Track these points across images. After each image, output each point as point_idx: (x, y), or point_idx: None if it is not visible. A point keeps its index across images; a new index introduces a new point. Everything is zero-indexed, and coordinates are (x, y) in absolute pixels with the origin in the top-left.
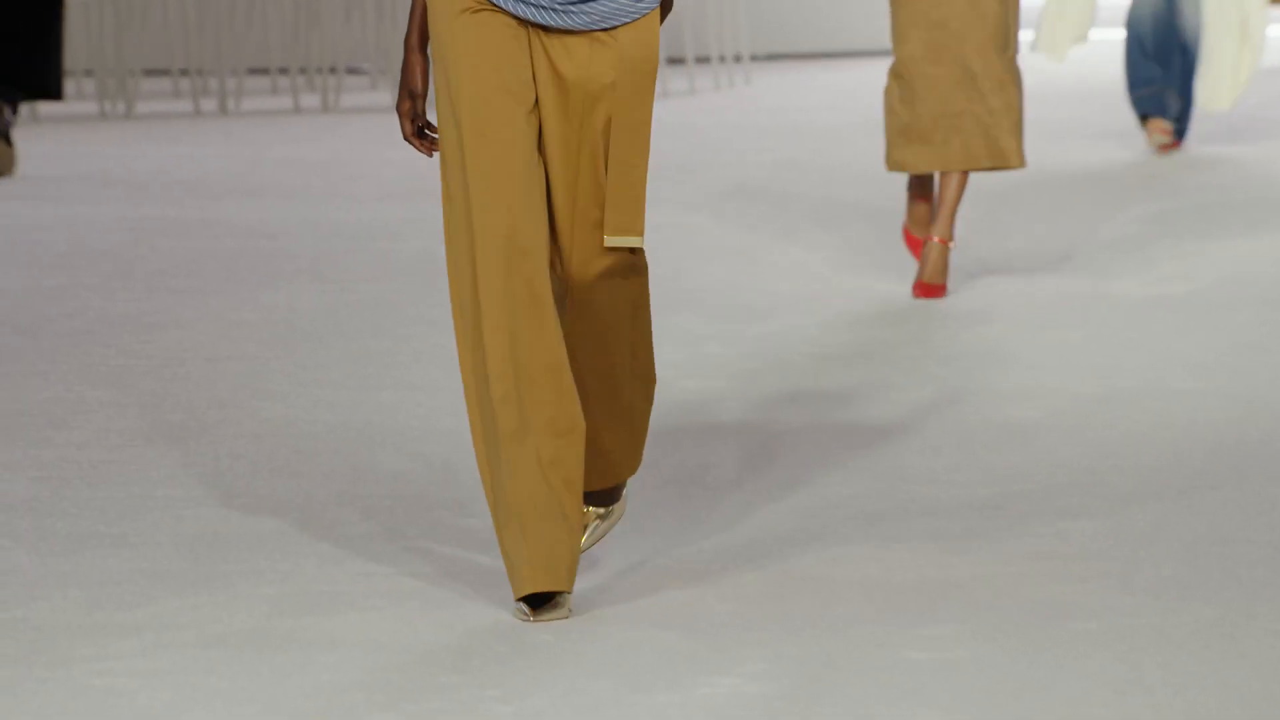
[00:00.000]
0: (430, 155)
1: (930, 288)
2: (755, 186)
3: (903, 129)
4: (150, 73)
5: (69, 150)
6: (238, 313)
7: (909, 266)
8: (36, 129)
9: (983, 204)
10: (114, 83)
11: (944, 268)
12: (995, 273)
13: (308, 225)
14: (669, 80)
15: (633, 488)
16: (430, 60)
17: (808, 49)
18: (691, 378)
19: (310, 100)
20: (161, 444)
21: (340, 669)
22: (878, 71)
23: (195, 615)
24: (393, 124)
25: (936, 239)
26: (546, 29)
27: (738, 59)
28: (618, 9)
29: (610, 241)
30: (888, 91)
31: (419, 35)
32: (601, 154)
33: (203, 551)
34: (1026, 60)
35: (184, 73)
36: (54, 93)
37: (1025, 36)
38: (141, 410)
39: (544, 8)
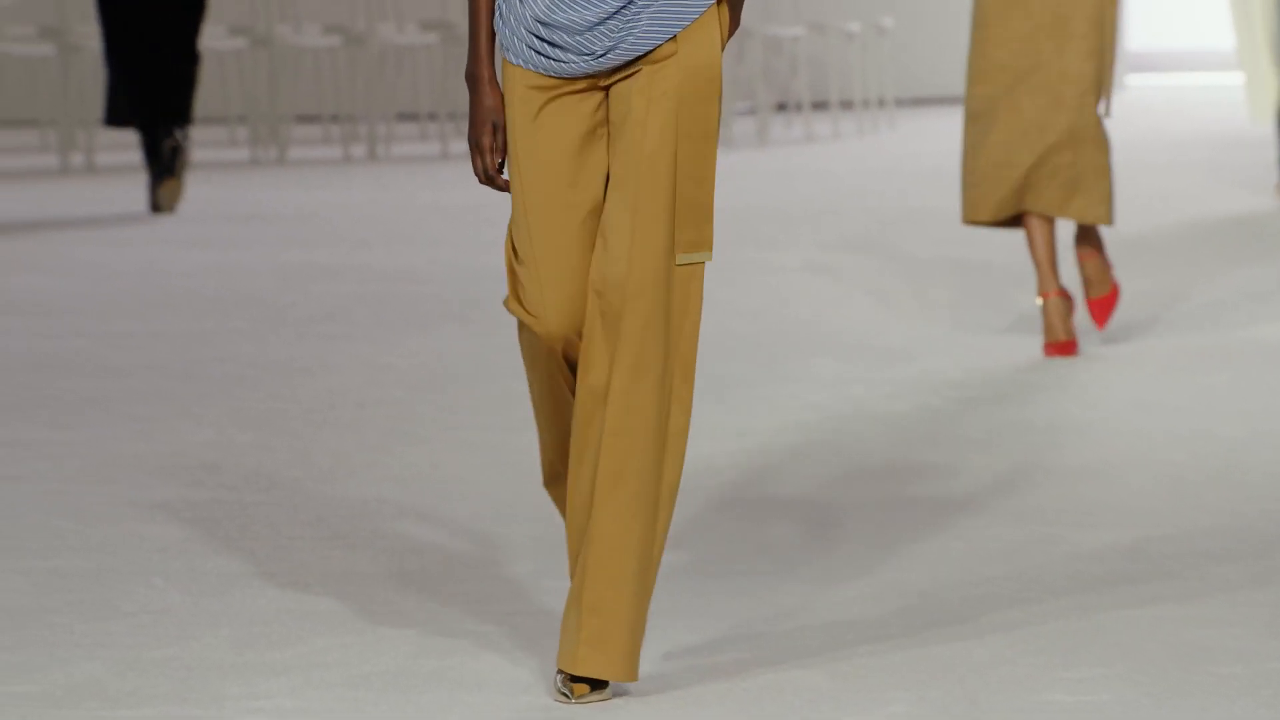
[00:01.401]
0: (508, 190)
1: (1060, 345)
2: (894, 230)
3: (973, 177)
4: (302, 119)
5: (222, 196)
6: (385, 357)
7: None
8: (191, 175)
9: (1125, 250)
10: (266, 129)
11: (1067, 321)
12: (1138, 319)
13: (454, 270)
14: (814, 125)
15: (782, 531)
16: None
17: (951, 93)
18: (834, 418)
19: (458, 146)
20: (310, 486)
21: (485, 710)
22: None
23: (342, 655)
24: None
25: (1049, 294)
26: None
27: (881, 104)
28: (672, 8)
29: (682, 259)
30: (966, 136)
31: (489, 68)
32: (658, 176)
33: (349, 592)
34: (1155, 105)
35: (334, 119)
36: (186, 118)
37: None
38: (290, 453)
39: (597, 55)
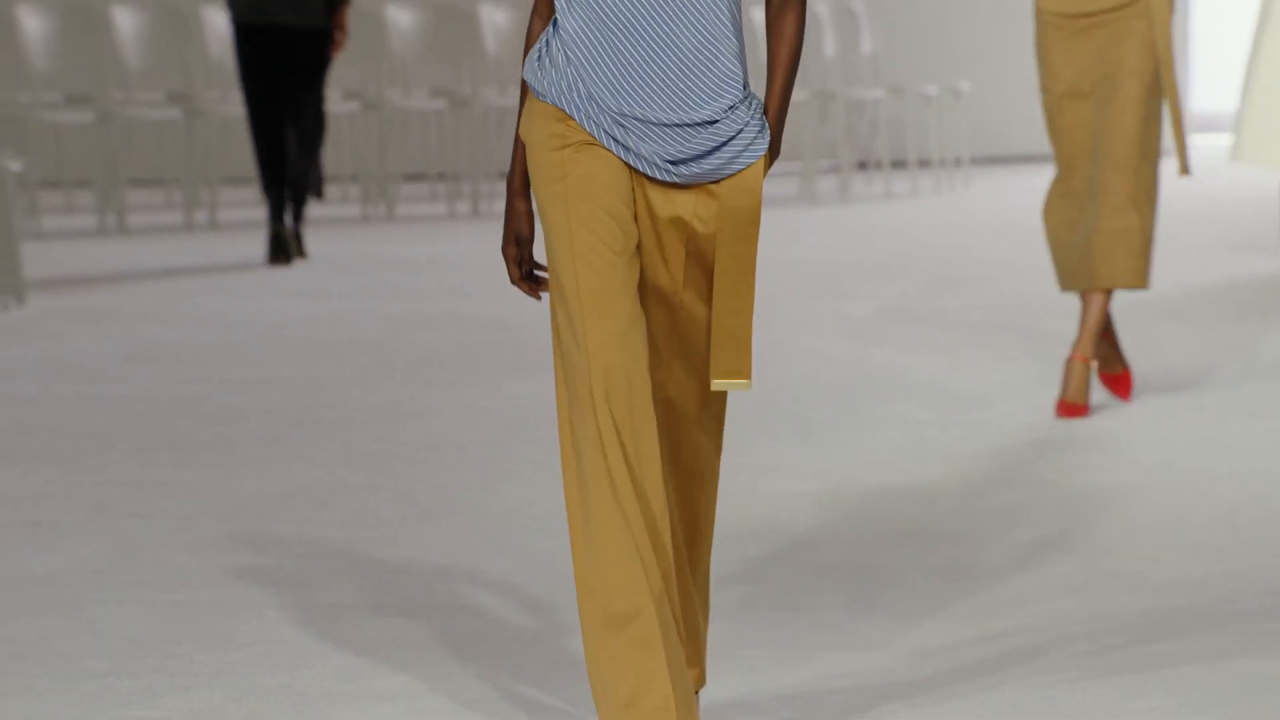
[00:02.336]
0: (539, 299)
1: (1072, 407)
2: (969, 282)
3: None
4: (410, 178)
5: (335, 249)
6: (483, 400)
7: (1131, 342)
8: (307, 230)
9: (1192, 301)
10: (376, 187)
11: (1086, 386)
12: (1204, 367)
13: (544, 319)
14: (893, 182)
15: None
16: (533, 200)
17: (1023, 152)
18: (912, 459)
19: None
20: (413, 524)
21: None
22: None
23: (447, 683)
24: None
25: (1077, 356)
26: (652, 180)
27: (957, 162)
28: (724, 163)
29: (717, 385)
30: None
31: (521, 178)
32: (694, 304)
33: (452, 622)
34: (1216, 164)
35: (440, 178)
36: (318, 192)
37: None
38: (395, 492)
39: (652, 161)
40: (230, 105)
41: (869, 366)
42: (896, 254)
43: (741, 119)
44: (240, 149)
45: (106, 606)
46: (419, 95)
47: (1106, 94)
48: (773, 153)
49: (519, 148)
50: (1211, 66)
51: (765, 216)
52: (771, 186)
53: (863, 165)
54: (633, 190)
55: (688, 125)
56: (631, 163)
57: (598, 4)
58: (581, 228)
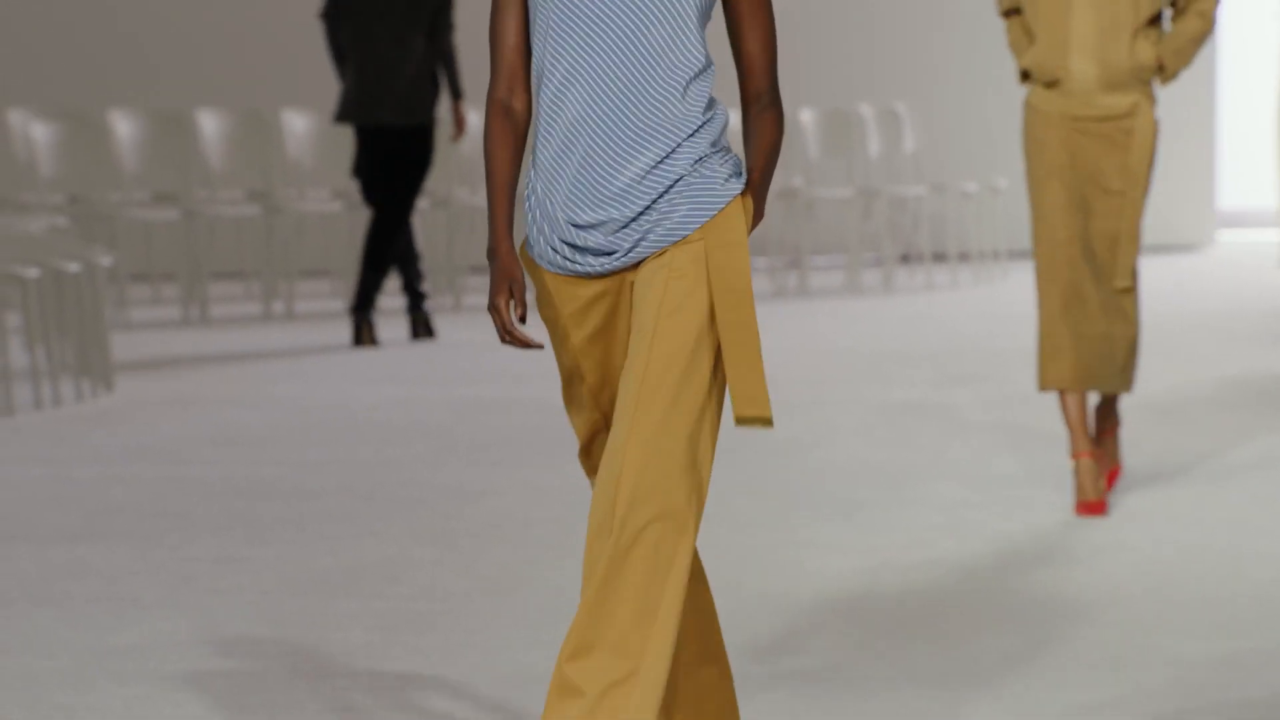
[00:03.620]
0: (541, 346)
1: (1090, 505)
2: (1007, 368)
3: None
4: (474, 270)
5: (402, 335)
6: (545, 480)
7: (1154, 435)
8: (379, 317)
9: (1224, 389)
10: (445, 279)
11: (1098, 482)
12: (1235, 453)
13: None
14: (934, 274)
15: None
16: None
17: None
18: (953, 537)
19: None
20: (479, 597)
21: None
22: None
23: None
24: None
25: (1085, 454)
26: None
27: (995, 256)
28: (696, 194)
29: (742, 419)
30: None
31: (508, 241)
32: (673, 332)
33: (515, 693)
34: (1245, 260)
35: None
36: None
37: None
38: (463, 567)
39: (624, 252)
40: (306, 202)
41: (911, 449)
42: (938, 342)
43: (710, 160)
44: (315, 243)
45: (187, 678)
46: (484, 194)
47: (1093, 195)
48: (757, 213)
49: (498, 218)
50: (1240, 164)
51: (811, 306)
52: (818, 278)
53: (905, 258)
54: (623, 304)
55: (652, 204)
56: (602, 267)
57: (561, 118)
58: (590, 391)
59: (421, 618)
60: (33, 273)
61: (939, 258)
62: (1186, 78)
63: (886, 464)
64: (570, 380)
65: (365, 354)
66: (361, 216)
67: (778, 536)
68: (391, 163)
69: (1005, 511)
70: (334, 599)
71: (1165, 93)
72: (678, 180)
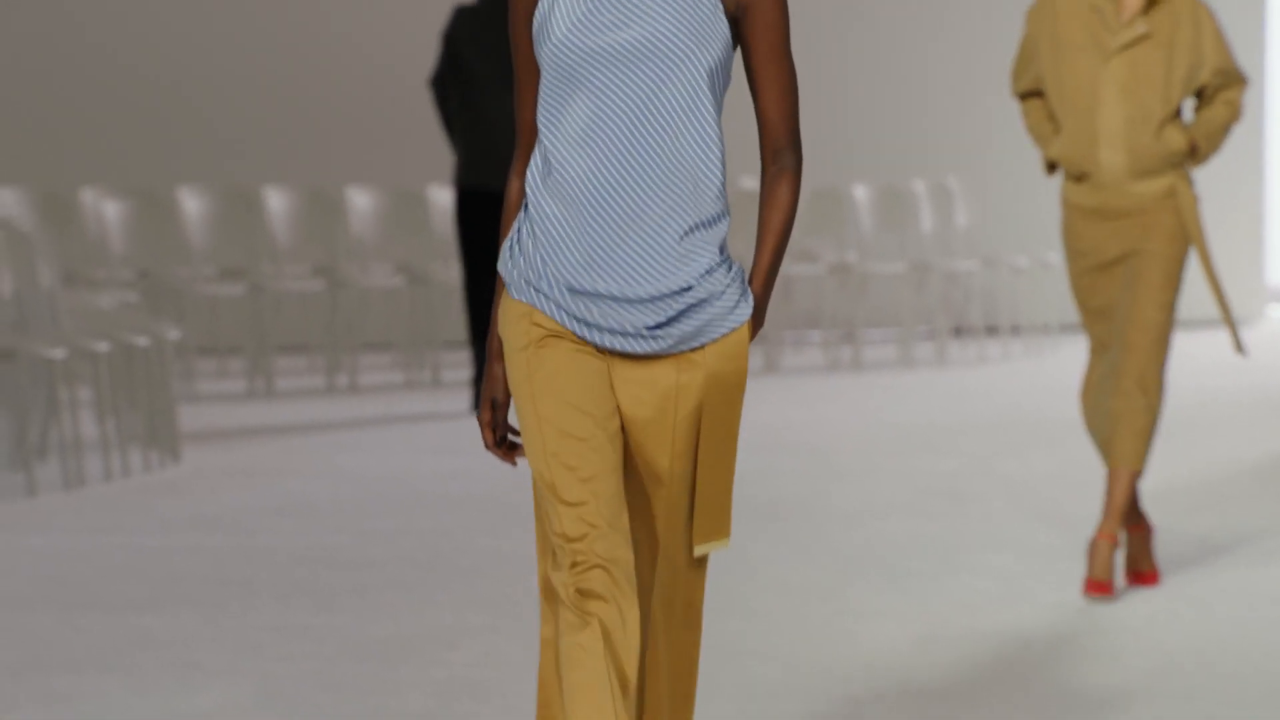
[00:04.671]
0: (514, 464)
1: (1099, 584)
2: (1059, 439)
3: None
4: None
5: (460, 407)
6: None
7: (1207, 510)
8: (441, 391)
9: (1270, 471)
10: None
11: (1110, 564)
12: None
13: None
14: (986, 347)
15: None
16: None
17: None
18: (1004, 607)
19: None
20: (531, 666)
21: None
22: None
23: None
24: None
25: (1104, 535)
26: (628, 356)
27: (1046, 329)
28: (703, 326)
29: (699, 550)
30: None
31: (499, 342)
32: (683, 470)
33: None
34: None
35: None
36: None
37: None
38: (520, 635)
39: (629, 335)
40: (370, 278)
41: (963, 519)
42: (990, 414)
43: (720, 283)
44: (378, 317)
45: None
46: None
47: (1130, 278)
48: (757, 321)
49: (498, 313)
50: None
51: (865, 378)
52: (871, 351)
53: (958, 331)
54: (608, 375)
55: (661, 297)
56: (603, 342)
57: (568, 181)
58: (551, 427)
59: (479, 685)
60: (103, 347)
61: (991, 331)
62: (1234, 152)
63: (939, 534)
64: (534, 446)
65: (425, 425)
66: (423, 292)
67: (831, 606)
68: (495, 231)
69: (1058, 583)
70: (394, 666)
71: (1213, 168)
72: (686, 290)
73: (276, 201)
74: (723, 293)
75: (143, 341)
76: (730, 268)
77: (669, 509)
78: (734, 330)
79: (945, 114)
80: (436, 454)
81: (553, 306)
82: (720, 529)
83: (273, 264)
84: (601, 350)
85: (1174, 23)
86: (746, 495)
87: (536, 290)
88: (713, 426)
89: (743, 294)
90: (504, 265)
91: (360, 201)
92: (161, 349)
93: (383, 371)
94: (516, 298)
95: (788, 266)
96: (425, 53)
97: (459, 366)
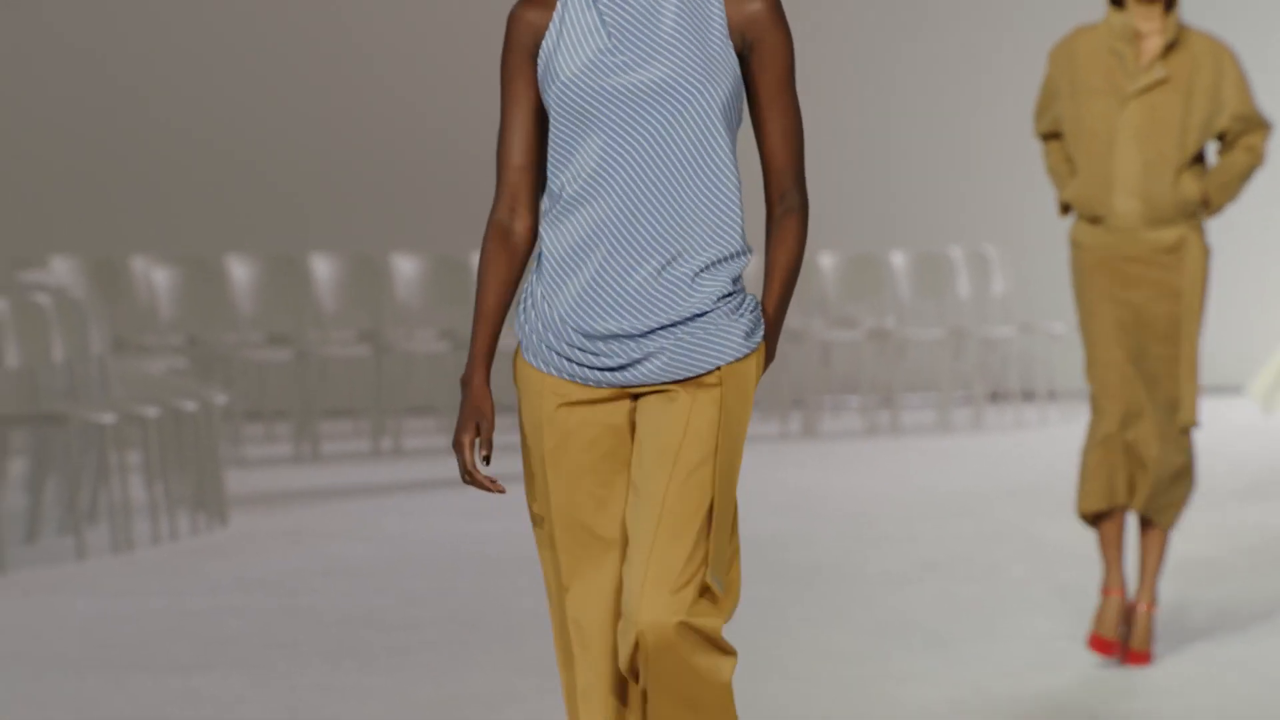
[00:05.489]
0: (503, 490)
1: (1137, 654)
2: None
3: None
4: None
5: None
6: None
7: (1246, 570)
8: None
9: None
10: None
11: (1118, 621)
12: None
13: None
14: (1023, 413)
15: None
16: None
17: None
18: (1043, 670)
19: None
20: None
21: None
22: (1224, 407)
23: None
24: (811, 453)
25: (1115, 592)
26: (645, 390)
27: (1082, 394)
28: (717, 343)
29: (712, 579)
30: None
31: (483, 373)
32: (689, 500)
33: None
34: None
35: None
36: None
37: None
38: (561, 698)
39: (640, 364)
40: (414, 343)
41: (1000, 584)
42: (1027, 478)
43: (732, 309)
44: (423, 382)
45: None
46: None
47: (1143, 336)
48: (768, 356)
49: (478, 349)
50: None
51: (903, 443)
52: (909, 416)
53: (995, 397)
54: (628, 439)
55: (673, 324)
56: (618, 381)
57: (579, 222)
58: (560, 514)
59: None
60: (152, 412)
61: (1028, 397)
62: (1270, 206)
63: (976, 598)
64: (536, 503)
65: (468, 489)
66: (466, 357)
67: (870, 669)
68: None
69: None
70: None
71: (1246, 221)
72: (699, 315)
73: (322, 268)
74: (734, 316)
75: (191, 406)
76: (744, 298)
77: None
78: (742, 359)
79: (983, 182)
80: (479, 517)
81: (568, 364)
82: (732, 552)
83: (319, 330)
84: (619, 392)
85: (1194, 66)
86: (785, 559)
87: (550, 348)
88: (724, 457)
89: (755, 324)
90: (519, 325)
91: (405, 268)
92: (209, 414)
93: (427, 435)
94: (532, 362)
95: (828, 332)
96: (471, 119)
97: (501, 431)
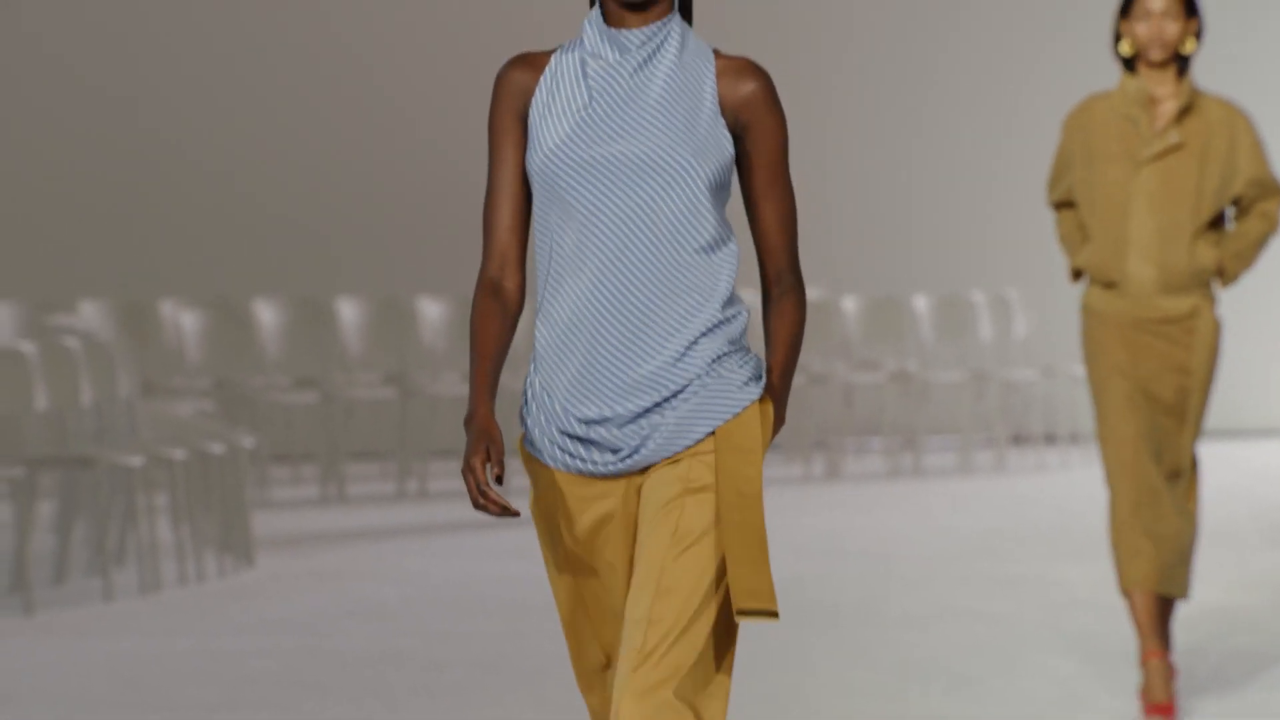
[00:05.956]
0: (517, 513)
1: (1159, 706)
2: None
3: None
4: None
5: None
6: None
7: (1269, 616)
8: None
9: None
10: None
11: (1167, 683)
12: None
13: None
14: (1045, 455)
15: None
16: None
17: None
18: (1063, 712)
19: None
20: None
21: None
22: (1246, 451)
23: None
24: (834, 495)
25: (1155, 655)
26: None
27: (1075, 437)
28: (714, 396)
29: (741, 613)
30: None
31: (487, 405)
32: (688, 559)
33: None
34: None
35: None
36: None
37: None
38: None
39: (631, 451)
40: (440, 385)
41: (1025, 623)
42: (1049, 521)
43: (729, 366)
44: (448, 424)
45: None
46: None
47: (1152, 401)
48: (778, 419)
49: (480, 389)
50: None
51: (926, 485)
52: (932, 459)
53: (1017, 439)
54: (632, 521)
55: (664, 401)
56: (619, 468)
57: (564, 306)
58: (580, 605)
59: None
60: (180, 454)
61: (1050, 439)
62: None
63: (999, 639)
64: (561, 593)
65: (492, 530)
66: None
67: (892, 710)
68: None
69: (1117, 687)
70: None
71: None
72: (692, 381)
73: (348, 311)
74: (728, 373)
75: (218, 449)
76: (744, 354)
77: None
78: (743, 409)
79: (1004, 226)
80: (504, 558)
81: (571, 460)
82: (761, 594)
83: (345, 373)
84: (613, 477)
85: (1208, 132)
86: (808, 599)
87: (553, 442)
88: (733, 485)
89: (756, 375)
90: (523, 418)
91: (430, 311)
92: (236, 456)
93: (452, 478)
94: (537, 456)
95: (850, 374)
96: None
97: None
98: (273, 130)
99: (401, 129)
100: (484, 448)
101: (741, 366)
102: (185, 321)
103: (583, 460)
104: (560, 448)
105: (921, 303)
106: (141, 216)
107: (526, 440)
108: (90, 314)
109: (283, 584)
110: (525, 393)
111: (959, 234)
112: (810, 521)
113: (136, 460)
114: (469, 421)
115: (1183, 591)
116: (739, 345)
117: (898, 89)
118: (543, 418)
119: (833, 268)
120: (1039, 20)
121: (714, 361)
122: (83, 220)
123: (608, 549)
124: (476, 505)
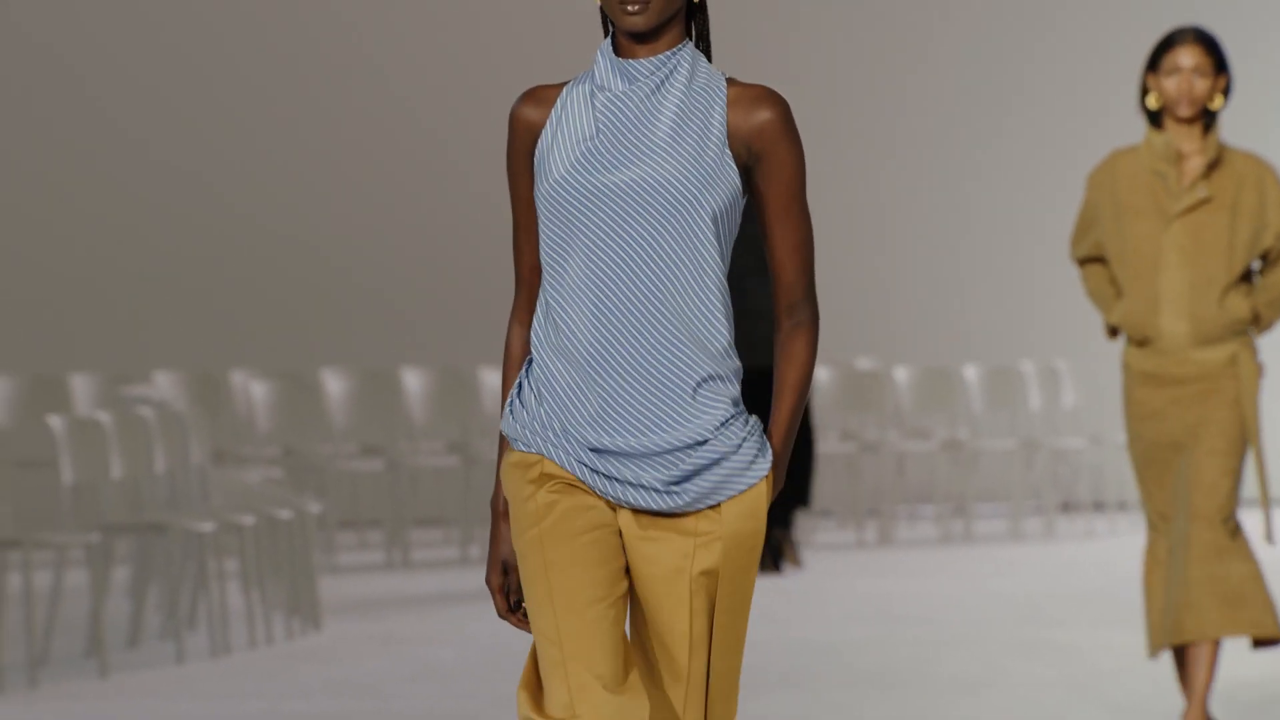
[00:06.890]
0: (530, 631)
1: None
2: None
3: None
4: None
5: None
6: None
7: None
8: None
9: None
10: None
11: None
12: None
13: (782, 640)
14: (1094, 522)
15: None
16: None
17: None
18: None
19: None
20: None
21: None
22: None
23: None
24: (886, 561)
25: None
26: (642, 512)
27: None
28: (722, 482)
29: None
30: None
31: (505, 502)
32: (692, 641)
33: None
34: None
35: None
36: (807, 501)
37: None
38: None
39: (645, 488)
40: None
41: (1073, 687)
42: (1098, 586)
43: (737, 436)
44: None
45: None
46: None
47: (1191, 445)
48: (776, 477)
49: (501, 473)
50: None
51: (976, 551)
52: (982, 525)
53: (1066, 507)
54: (618, 534)
55: (676, 450)
56: (620, 496)
57: (567, 339)
58: (559, 573)
59: None
60: (249, 520)
61: (1098, 507)
62: None
63: (1048, 703)
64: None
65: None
66: None
67: None
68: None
69: None
70: None
71: None
72: (701, 443)
73: (412, 381)
74: (739, 446)
75: (286, 515)
76: (746, 421)
77: (690, 688)
78: (752, 486)
79: (1053, 298)
80: None
81: (566, 457)
82: (729, 713)
83: (409, 441)
84: (615, 505)
85: (1237, 185)
86: (859, 663)
87: (546, 440)
88: (728, 600)
89: (761, 447)
90: (506, 424)
91: (492, 380)
92: (304, 522)
93: None
94: (523, 450)
95: (902, 443)
96: None
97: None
98: (341, 205)
99: (466, 202)
100: (500, 568)
101: (748, 439)
102: (255, 391)
103: (588, 473)
104: (562, 448)
105: (972, 373)
106: (213, 290)
107: (514, 441)
108: (164, 385)
109: (349, 647)
110: (510, 403)
111: (1008, 306)
112: (863, 586)
113: (208, 526)
114: (493, 508)
115: (1260, 628)
116: (741, 409)
117: (950, 166)
118: (537, 424)
119: (885, 339)
120: (1089, 98)
121: (720, 426)
122: (156, 294)
123: (600, 539)
124: (500, 617)
